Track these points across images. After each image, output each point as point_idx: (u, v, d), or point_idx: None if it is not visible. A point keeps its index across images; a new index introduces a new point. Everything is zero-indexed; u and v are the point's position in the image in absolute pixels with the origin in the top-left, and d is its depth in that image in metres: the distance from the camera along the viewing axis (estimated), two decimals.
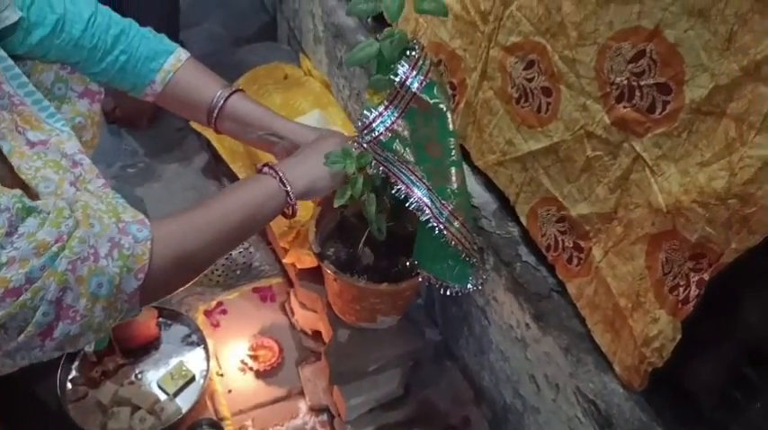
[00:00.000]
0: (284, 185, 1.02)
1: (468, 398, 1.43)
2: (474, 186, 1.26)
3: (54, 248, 0.77)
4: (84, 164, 1.02)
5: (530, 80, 1.05)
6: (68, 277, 0.78)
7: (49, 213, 0.79)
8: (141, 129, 1.95)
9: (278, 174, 1.03)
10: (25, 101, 1.02)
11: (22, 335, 0.77)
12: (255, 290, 1.58)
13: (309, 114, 1.66)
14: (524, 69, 1.05)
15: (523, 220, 1.16)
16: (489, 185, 1.24)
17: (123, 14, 1.28)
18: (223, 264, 1.61)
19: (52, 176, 0.95)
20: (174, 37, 1.95)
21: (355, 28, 1.60)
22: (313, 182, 1.06)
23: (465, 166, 1.26)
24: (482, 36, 1.12)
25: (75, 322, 0.81)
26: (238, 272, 1.61)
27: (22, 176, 0.94)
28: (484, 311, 1.29)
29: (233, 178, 1.71)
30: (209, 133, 1.73)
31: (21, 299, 0.75)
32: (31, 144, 1.00)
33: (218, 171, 1.80)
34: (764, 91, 0.71)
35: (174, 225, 0.93)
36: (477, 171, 1.26)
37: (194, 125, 1.76)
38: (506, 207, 1.21)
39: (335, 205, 1.09)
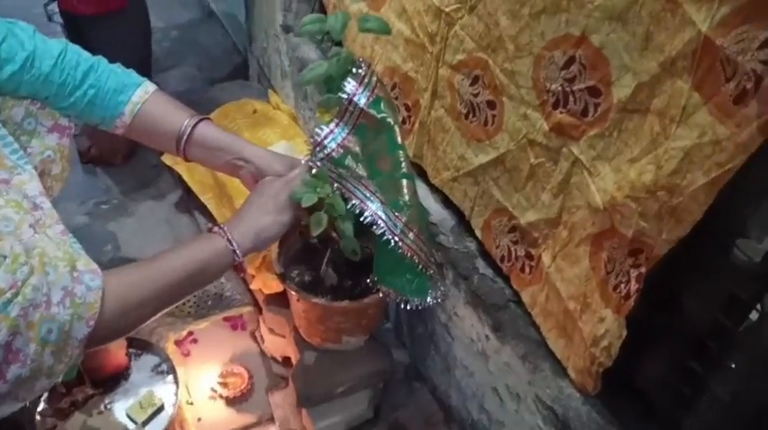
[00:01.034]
0: (231, 245, 1.06)
1: (439, 420, 1.43)
2: (432, 204, 1.29)
3: (8, 295, 0.80)
4: (44, 208, 1.03)
5: (476, 95, 1.08)
6: (19, 323, 0.81)
7: (5, 258, 0.81)
8: (116, 167, 1.98)
9: (226, 234, 1.06)
10: None
11: None
12: (226, 319, 1.59)
13: (276, 146, 1.70)
14: (470, 85, 1.09)
15: (478, 234, 1.19)
16: (446, 202, 1.27)
17: None
18: (195, 295, 1.62)
19: (12, 216, 0.95)
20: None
21: (318, 60, 1.65)
22: (258, 235, 1.09)
23: (423, 185, 1.29)
24: (431, 57, 1.17)
25: (26, 365, 0.83)
26: (210, 302, 1.62)
27: None
28: (447, 328, 1.30)
29: (204, 211, 1.74)
30: (180, 167, 1.77)
31: None
32: None
33: (191, 205, 1.83)
34: (681, 85, 0.74)
35: (126, 276, 0.97)
36: (434, 189, 1.29)
37: (166, 160, 1.79)
38: (463, 223, 1.24)
39: (313, 234, 1.12)
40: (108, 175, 1.96)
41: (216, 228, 1.08)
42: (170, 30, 2.37)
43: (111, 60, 1.22)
